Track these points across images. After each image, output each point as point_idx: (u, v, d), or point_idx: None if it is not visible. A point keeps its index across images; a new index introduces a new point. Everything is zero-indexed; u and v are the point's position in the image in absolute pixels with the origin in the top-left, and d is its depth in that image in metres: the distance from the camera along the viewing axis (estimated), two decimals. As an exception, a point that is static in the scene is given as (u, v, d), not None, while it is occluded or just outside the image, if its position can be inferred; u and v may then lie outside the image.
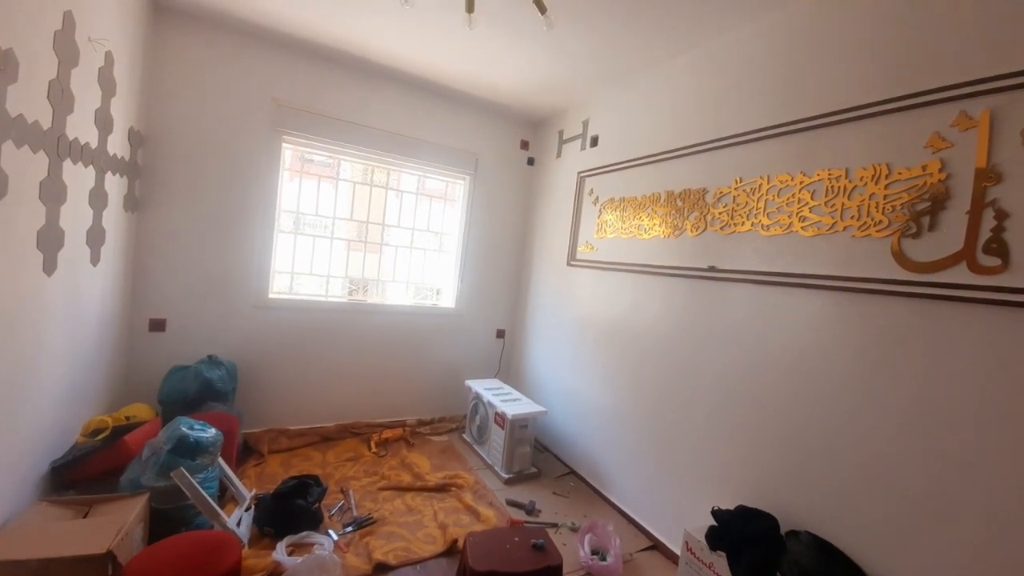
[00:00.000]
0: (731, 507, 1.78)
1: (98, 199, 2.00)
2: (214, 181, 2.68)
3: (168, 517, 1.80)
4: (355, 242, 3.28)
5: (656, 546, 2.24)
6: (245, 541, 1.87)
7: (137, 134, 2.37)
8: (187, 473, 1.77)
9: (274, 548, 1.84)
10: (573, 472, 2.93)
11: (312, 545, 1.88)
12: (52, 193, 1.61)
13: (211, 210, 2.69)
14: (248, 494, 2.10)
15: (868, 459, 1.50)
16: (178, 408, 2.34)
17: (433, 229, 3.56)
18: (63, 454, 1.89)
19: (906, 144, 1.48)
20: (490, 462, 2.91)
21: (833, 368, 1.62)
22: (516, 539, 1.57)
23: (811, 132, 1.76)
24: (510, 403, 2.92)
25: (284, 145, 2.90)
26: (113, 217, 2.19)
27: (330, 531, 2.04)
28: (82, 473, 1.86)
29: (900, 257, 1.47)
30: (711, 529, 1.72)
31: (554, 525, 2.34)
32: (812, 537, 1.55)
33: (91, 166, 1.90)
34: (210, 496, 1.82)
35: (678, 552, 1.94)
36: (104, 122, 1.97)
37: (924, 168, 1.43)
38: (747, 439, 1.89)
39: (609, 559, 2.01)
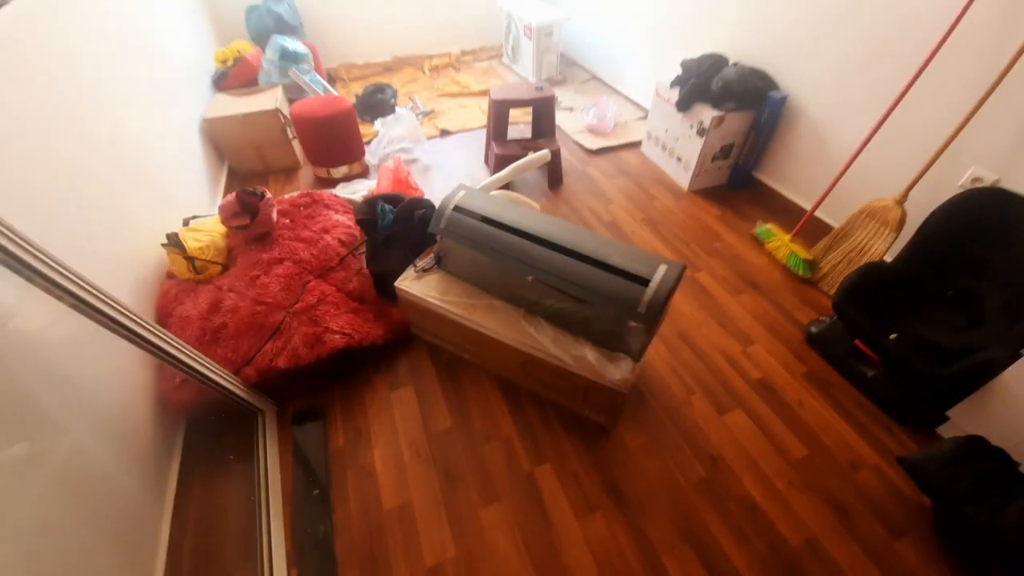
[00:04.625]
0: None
1: None
2: None
3: (300, 106, 2.71)
4: None
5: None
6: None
7: None
8: (298, 72, 2.54)
9: (373, 124, 2.76)
10: (595, 78, 3.43)
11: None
12: None
13: None
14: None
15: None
16: (265, 41, 2.96)
17: None
18: (214, 73, 2.72)
19: None
20: (523, 75, 3.45)
21: None
22: (525, 87, 2.26)
23: None
24: (535, 14, 3.17)
25: None
26: None
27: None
28: (232, 83, 2.71)
29: None
30: (677, 77, 2.25)
31: (570, 109, 3.03)
32: (747, 66, 2.04)
33: None
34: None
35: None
36: None
37: None
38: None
39: (604, 121, 2.74)
